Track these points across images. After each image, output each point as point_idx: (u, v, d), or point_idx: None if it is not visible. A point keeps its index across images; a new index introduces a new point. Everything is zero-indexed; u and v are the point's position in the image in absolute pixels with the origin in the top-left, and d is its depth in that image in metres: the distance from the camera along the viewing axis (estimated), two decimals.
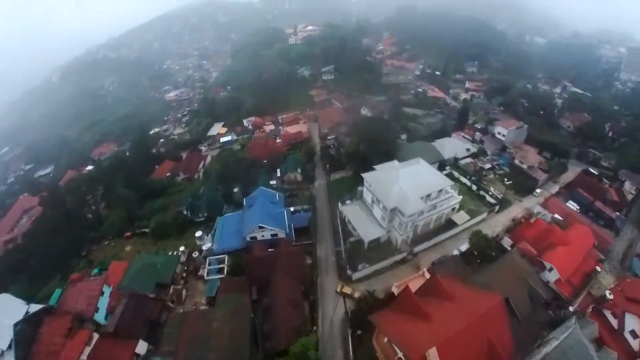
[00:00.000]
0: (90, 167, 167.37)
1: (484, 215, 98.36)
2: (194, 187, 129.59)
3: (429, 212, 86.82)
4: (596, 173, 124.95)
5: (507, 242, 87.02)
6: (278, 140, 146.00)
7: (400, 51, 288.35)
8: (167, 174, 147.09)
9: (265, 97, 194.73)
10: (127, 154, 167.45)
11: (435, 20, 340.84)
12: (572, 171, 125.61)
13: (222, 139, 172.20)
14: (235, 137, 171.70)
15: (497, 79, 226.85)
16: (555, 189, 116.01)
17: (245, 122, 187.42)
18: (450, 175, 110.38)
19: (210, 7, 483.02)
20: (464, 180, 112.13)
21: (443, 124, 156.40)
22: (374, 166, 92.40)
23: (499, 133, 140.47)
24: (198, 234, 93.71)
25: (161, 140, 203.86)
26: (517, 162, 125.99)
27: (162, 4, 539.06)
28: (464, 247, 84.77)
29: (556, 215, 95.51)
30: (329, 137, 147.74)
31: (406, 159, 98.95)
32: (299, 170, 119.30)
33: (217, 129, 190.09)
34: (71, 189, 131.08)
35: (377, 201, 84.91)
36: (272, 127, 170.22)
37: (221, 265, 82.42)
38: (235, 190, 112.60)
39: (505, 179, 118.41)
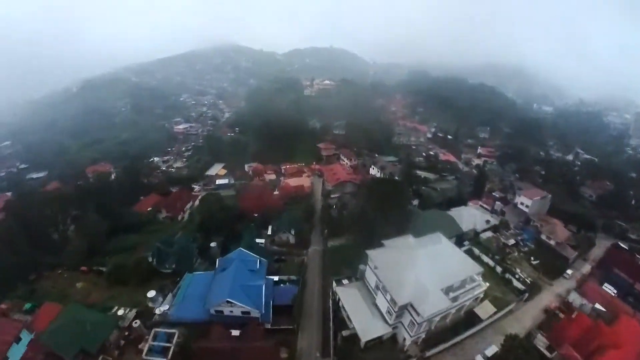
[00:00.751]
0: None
1: (512, 305, 78.72)
2: (173, 229, 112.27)
3: (450, 306, 66.97)
4: (627, 248, 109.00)
5: (540, 341, 67.75)
6: (276, 193, 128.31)
7: (412, 113, 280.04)
8: (149, 209, 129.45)
9: (271, 144, 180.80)
10: (113, 177, 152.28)
11: (446, 85, 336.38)
12: (600, 245, 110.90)
13: (218, 181, 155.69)
14: (232, 182, 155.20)
15: (510, 145, 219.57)
16: (585, 268, 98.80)
17: (246, 167, 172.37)
18: (469, 253, 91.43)
19: (235, 51, 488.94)
20: (486, 259, 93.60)
21: (458, 191, 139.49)
22: (382, 241, 73.97)
23: (522, 204, 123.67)
24: (151, 294, 73.11)
25: (157, 170, 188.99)
26: (543, 237, 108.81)
27: (191, 41, 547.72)
28: (491, 351, 65.09)
29: (597, 305, 76.62)
30: (332, 196, 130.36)
31: (420, 231, 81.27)
32: (292, 232, 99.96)
33: (217, 169, 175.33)
34: (41, 202, 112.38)
35: (384, 289, 65.10)
36: (273, 176, 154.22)
37: (168, 344, 61.52)
38: (213, 244, 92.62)
39: (532, 258, 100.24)
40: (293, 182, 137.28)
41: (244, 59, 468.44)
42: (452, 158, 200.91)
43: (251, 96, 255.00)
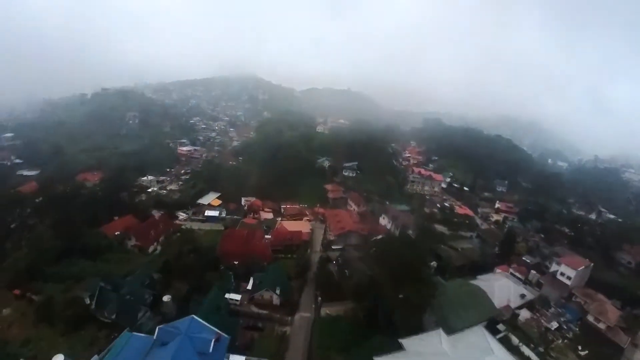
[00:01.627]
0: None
1: None
2: (136, 262, 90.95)
3: None
4: None
5: None
6: (267, 237, 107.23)
7: (426, 161, 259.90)
8: (117, 233, 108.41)
9: (274, 179, 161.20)
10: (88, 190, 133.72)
11: (462, 135, 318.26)
12: None
13: (208, 212, 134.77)
14: (223, 215, 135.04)
15: (530, 200, 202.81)
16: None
17: (243, 200, 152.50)
18: (506, 342, 69.29)
19: (253, 82, 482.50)
20: (527, 352, 70.42)
21: (482, 252, 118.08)
22: (401, 340, 52.58)
23: (563, 274, 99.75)
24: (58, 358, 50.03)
25: (149, 189, 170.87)
26: (590, 318, 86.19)
27: (212, 68, 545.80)
28: None
29: None
30: (334, 247, 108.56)
31: (445, 310, 62.35)
32: (278, 291, 77.70)
33: (210, 198, 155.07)
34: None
35: None
36: (270, 215, 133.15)
37: None
38: (166, 298, 68.94)
39: (579, 347, 77.79)
40: (290, 225, 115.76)
41: (261, 91, 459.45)
42: (468, 212, 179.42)
43: (261, 127, 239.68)
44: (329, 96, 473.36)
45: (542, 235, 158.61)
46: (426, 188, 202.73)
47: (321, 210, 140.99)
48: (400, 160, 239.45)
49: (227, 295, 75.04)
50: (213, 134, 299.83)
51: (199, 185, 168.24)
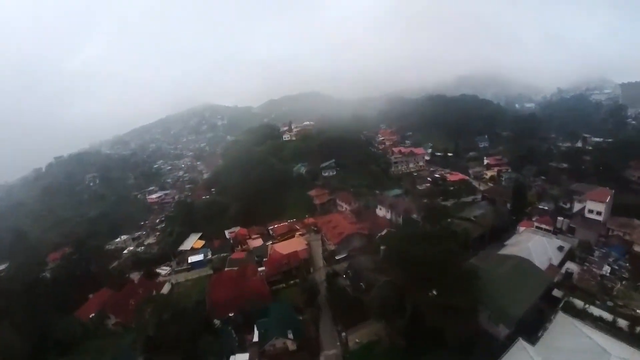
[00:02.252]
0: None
1: None
2: (121, 345, 74.81)
3: None
4: None
5: None
6: (261, 269, 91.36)
7: (402, 139, 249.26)
8: (92, 315, 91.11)
9: (253, 201, 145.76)
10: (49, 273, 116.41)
11: (427, 104, 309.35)
12: None
13: (192, 258, 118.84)
14: (208, 256, 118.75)
15: (516, 147, 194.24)
16: None
17: (227, 233, 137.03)
18: (570, 308, 57.16)
19: (209, 110, 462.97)
20: (597, 312, 57.04)
21: (496, 214, 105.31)
22: None
23: (592, 211, 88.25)
24: None
25: (125, 250, 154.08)
26: (637, 248, 76.30)
27: (166, 107, 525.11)
28: None
29: None
30: (338, 258, 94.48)
31: (497, 301, 50.72)
32: (290, 335, 62.31)
33: (192, 241, 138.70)
34: None
35: None
36: (259, 241, 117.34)
37: None
38: None
39: None
40: (284, 247, 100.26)
41: (219, 117, 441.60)
42: (461, 176, 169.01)
43: (227, 152, 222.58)
44: (287, 103, 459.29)
45: (543, 178, 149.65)
46: (411, 165, 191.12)
47: (312, 220, 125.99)
48: (377, 145, 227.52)
49: (232, 358, 59.78)
50: (180, 173, 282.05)
51: (176, 230, 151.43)
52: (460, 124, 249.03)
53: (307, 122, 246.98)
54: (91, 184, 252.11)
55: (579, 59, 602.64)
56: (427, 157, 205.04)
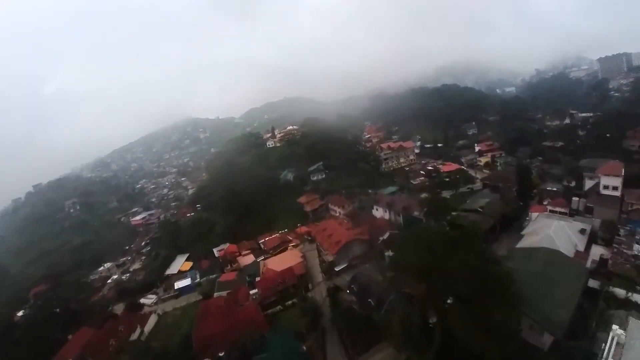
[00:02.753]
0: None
1: None
2: None
3: None
4: None
5: None
6: (254, 291, 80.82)
7: (389, 134, 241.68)
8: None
9: (241, 215, 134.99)
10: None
11: (410, 97, 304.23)
12: None
13: (178, 284, 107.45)
14: (197, 279, 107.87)
15: (505, 130, 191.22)
16: None
17: (215, 251, 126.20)
18: (612, 299, 49.55)
19: (191, 124, 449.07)
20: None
21: (504, 202, 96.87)
22: None
23: (607, 186, 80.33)
24: None
25: (109, 280, 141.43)
26: None
27: (146, 126, 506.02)
28: None
29: None
30: (338, 269, 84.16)
31: (540, 308, 41.60)
32: None
33: (179, 264, 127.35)
34: None
35: None
36: (250, 257, 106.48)
37: None
38: None
39: None
40: (277, 262, 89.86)
41: (201, 130, 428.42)
42: (455, 166, 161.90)
43: (210, 165, 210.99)
44: (269, 110, 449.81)
45: (540, 158, 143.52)
46: (402, 160, 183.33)
47: (305, 229, 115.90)
48: (364, 143, 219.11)
49: None
50: (165, 191, 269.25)
51: (162, 253, 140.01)
52: (446, 113, 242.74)
53: (291, 127, 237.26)
54: (72, 211, 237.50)
55: (553, 39, 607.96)
56: (417, 150, 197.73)
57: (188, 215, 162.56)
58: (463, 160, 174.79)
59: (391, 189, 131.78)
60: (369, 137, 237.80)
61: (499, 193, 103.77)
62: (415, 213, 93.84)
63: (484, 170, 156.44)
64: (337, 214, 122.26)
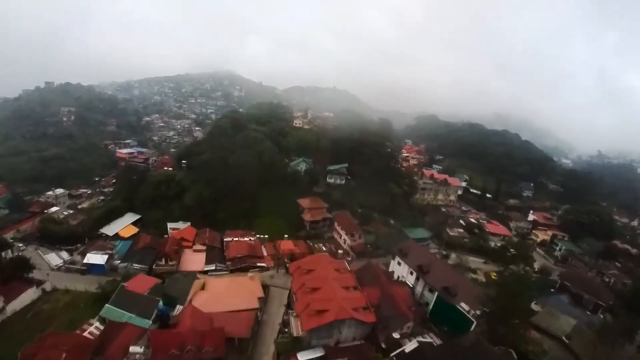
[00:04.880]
0: None
1: None
2: None
3: None
4: None
5: None
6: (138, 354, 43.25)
7: (429, 161, 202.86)
8: None
9: (220, 192, 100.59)
10: None
11: (466, 130, 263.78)
12: None
13: (89, 258, 72.89)
14: (117, 260, 73.65)
15: (571, 209, 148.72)
16: None
17: (169, 227, 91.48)
18: None
19: (228, 79, 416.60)
20: None
21: (598, 336, 55.65)
22: None
23: None
24: None
25: (50, 209, 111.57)
26: None
27: (186, 65, 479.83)
28: None
29: None
30: (301, 354, 45.83)
31: None
32: None
33: (122, 225, 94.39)
34: None
35: None
36: (197, 259, 71.35)
37: None
38: None
39: None
40: (217, 297, 52.24)
41: (237, 88, 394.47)
42: (502, 229, 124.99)
43: (219, 121, 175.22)
44: (313, 93, 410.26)
45: (618, 265, 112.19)
46: (440, 197, 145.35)
47: (288, 247, 78.78)
48: (401, 162, 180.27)
49: None
50: (171, 133, 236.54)
51: (111, 204, 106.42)
52: (503, 162, 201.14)
53: (327, 113, 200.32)
54: (64, 119, 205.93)
55: (623, 124, 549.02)
56: (459, 192, 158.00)
57: (165, 168, 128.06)
58: (512, 225, 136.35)
59: (422, 232, 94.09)
60: (406, 156, 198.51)
61: (585, 308, 64.37)
62: (464, 306, 54.97)
63: (539, 250, 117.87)
64: (341, 241, 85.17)
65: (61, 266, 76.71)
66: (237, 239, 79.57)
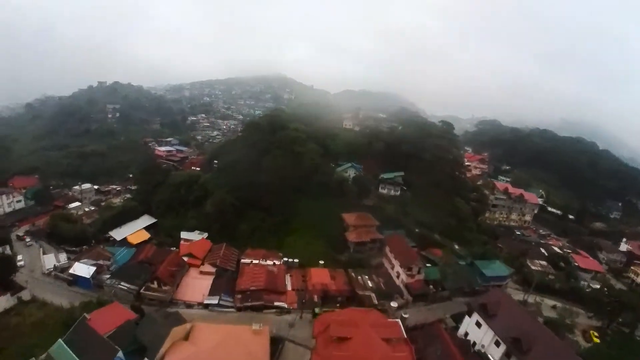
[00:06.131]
0: None
1: None
2: None
3: None
4: None
5: None
6: None
7: (494, 172, 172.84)
8: None
9: (248, 198, 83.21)
10: None
11: (536, 137, 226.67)
12: None
13: (75, 269, 59.20)
14: (107, 277, 58.29)
15: None
16: None
17: (183, 237, 75.45)
18: None
19: (279, 82, 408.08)
20: None
21: None
22: None
23: None
24: None
25: (72, 204, 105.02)
26: None
27: (236, 68, 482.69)
28: None
29: None
30: None
31: None
32: None
33: (133, 228, 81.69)
34: None
35: None
36: (207, 277, 55.09)
37: None
38: None
39: None
40: None
41: (288, 91, 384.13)
42: (592, 263, 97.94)
43: (255, 119, 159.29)
44: (364, 97, 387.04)
45: None
46: (513, 216, 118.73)
47: (322, 279, 58.35)
48: (461, 169, 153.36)
49: None
50: (215, 133, 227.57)
51: (133, 203, 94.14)
52: (584, 175, 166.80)
53: (381, 115, 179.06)
54: (109, 115, 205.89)
55: None
56: (535, 210, 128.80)
57: (192, 168, 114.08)
58: (601, 256, 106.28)
59: (499, 268, 69.51)
60: (467, 164, 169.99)
61: None
62: None
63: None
64: (393, 273, 63.49)
65: (51, 272, 63.98)
66: (257, 261, 61.17)
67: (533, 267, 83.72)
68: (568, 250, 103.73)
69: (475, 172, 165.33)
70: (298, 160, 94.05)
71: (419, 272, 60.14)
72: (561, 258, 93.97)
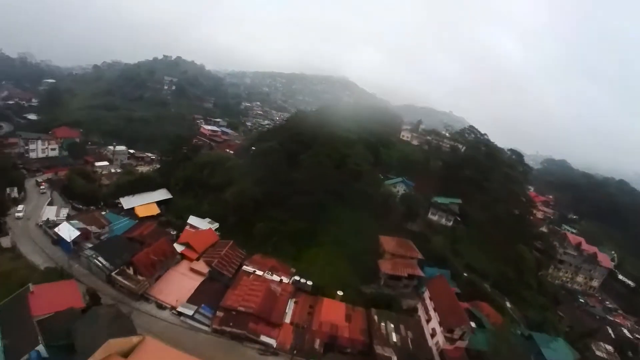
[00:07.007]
0: None
1: None
2: None
3: None
4: None
5: None
6: None
7: (559, 219, 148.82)
8: None
9: (273, 194, 71.64)
10: None
11: (615, 188, 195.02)
12: None
13: (60, 230, 52.82)
14: (89, 244, 49.68)
15: None
16: None
17: (190, 222, 65.86)
18: None
19: (341, 84, 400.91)
20: None
21: None
22: None
23: None
24: None
25: (100, 163, 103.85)
26: None
27: (298, 65, 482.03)
28: None
29: None
30: None
31: None
32: None
33: (145, 200, 74.00)
34: None
35: None
36: (196, 277, 44.17)
37: None
38: None
39: None
40: None
41: (348, 92, 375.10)
42: None
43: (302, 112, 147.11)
44: (429, 115, 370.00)
45: None
46: (579, 279, 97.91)
47: (334, 318, 44.51)
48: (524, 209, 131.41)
49: None
50: (265, 122, 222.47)
51: (152, 174, 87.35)
52: None
53: (444, 132, 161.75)
54: (165, 87, 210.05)
55: None
56: (604, 275, 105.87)
57: (227, 150, 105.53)
58: None
59: (562, 349, 52.30)
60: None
61: None
62: None
63: None
64: (427, 329, 48.59)
65: (41, 225, 57.87)
66: (260, 272, 49.19)
67: (597, 353, 65.11)
68: (638, 336, 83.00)
69: (538, 215, 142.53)
70: (341, 161, 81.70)
71: (461, 337, 44.71)
72: (630, 346, 74.47)
